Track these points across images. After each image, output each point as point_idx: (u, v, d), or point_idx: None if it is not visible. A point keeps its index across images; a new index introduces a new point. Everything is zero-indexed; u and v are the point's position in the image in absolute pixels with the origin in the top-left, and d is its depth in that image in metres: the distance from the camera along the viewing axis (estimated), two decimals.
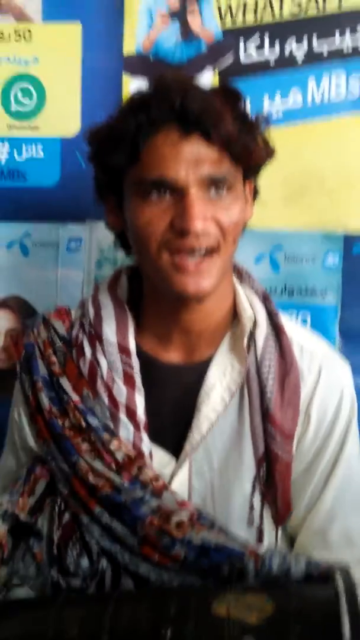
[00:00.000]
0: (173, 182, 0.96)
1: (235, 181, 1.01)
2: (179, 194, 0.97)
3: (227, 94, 1.04)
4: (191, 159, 0.96)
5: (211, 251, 1.00)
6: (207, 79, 1.47)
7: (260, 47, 1.45)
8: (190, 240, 0.97)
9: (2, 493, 1.16)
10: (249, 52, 1.45)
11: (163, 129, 0.97)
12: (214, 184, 0.98)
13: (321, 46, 1.43)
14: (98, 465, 1.04)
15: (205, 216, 0.97)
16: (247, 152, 1.00)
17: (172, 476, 1.08)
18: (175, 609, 0.80)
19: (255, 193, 1.12)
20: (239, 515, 1.08)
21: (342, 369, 1.15)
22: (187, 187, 0.96)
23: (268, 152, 1.07)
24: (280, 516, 1.10)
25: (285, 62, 1.45)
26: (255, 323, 1.10)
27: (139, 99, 1.02)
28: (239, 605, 0.78)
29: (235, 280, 1.14)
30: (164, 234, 0.99)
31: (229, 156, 0.98)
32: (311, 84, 1.45)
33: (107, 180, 1.06)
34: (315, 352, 1.13)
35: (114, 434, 1.06)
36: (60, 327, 1.15)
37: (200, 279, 1.00)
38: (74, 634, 0.80)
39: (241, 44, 1.46)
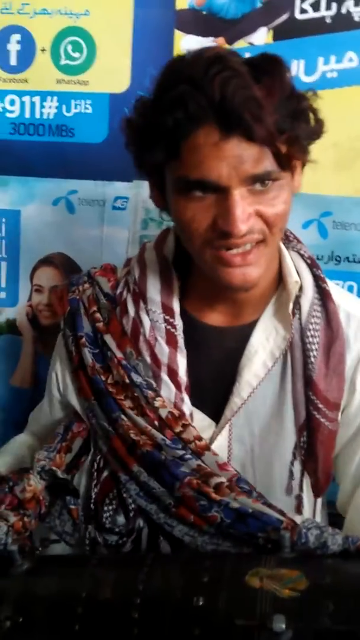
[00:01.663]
0: (215, 183, 0.92)
1: (280, 171, 0.95)
2: (221, 192, 0.93)
3: (273, 73, 0.95)
4: (233, 159, 0.91)
5: (258, 243, 0.97)
6: (261, 37, 1.43)
7: (316, 5, 1.40)
8: (234, 240, 0.95)
9: (32, 439, 1.20)
10: (304, 10, 1.41)
11: (203, 126, 0.91)
12: (257, 180, 0.94)
13: None
14: (140, 421, 1.04)
15: (250, 215, 0.94)
16: (291, 145, 0.94)
17: (211, 441, 1.08)
18: (208, 578, 0.80)
19: (304, 163, 1.08)
20: (279, 483, 1.08)
21: None
22: (229, 188, 0.92)
23: (316, 130, 1.01)
24: (320, 487, 1.10)
25: (342, 22, 1.40)
26: (301, 288, 1.08)
27: (176, 90, 0.92)
28: (273, 579, 0.77)
29: (281, 244, 1.12)
30: (207, 232, 0.96)
31: (272, 151, 0.93)
32: None
33: (147, 169, 1.03)
34: None
35: (157, 392, 1.06)
36: (105, 285, 1.14)
37: (247, 271, 0.98)
38: (106, 596, 0.81)
39: (297, 2, 1.41)
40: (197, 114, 0.90)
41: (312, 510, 1.11)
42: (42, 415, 1.24)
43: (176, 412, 1.05)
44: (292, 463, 1.08)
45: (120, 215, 1.54)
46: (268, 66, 0.95)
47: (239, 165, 0.91)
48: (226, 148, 0.91)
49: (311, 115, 0.99)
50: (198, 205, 0.95)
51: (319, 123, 1.01)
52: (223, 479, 1.00)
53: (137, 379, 1.06)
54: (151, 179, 1.05)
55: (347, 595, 0.76)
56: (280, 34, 1.42)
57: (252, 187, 0.93)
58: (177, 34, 1.45)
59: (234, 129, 0.90)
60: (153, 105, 0.97)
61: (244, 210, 0.93)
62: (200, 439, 1.04)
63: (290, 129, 0.93)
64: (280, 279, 1.10)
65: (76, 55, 1.51)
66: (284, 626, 0.70)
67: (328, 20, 1.41)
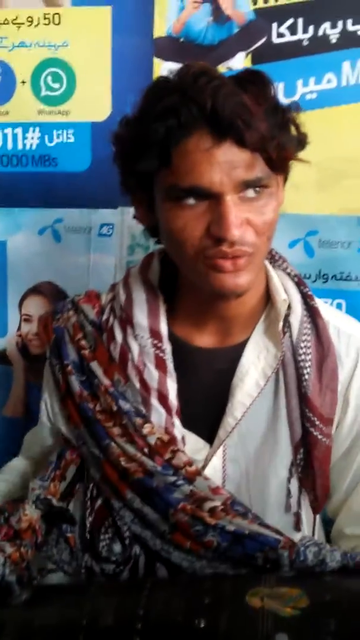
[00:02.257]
0: (207, 189, 0.93)
1: (270, 179, 0.97)
2: (214, 199, 0.94)
3: (258, 84, 0.97)
4: (225, 165, 0.92)
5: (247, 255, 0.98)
6: (239, 62, 1.45)
7: (294, 29, 1.42)
8: (225, 248, 0.94)
9: (26, 461, 1.20)
10: (281, 34, 1.43)
11: (194, 133, 0.92)
12: (249, 186, 0.95)
13: (356, 28, 1.40)
14: (130, 449, 1.03)
15: (242, 221, 0.94)
16: (281, 151, 0.95)
17: (205, 462, 1.07)
18: (209, 599, 0.79)
19: (285, 176, 1.09)
20: (276, 501, 1.08)
21: None
22: (222, 194, 0.93)
23: (301, 142, 1.03)
24: (319, 503, 1.09)
25: (319, 44, 1.42)
26: (289, 306, 1.09)
27: (166, 100, 0.95)
28: (274, 598, 0.77)
29: (267, 264, 1.13)
30: (200, 241, 0.96)
31: (263, 157, 0.94)
32: (346, 67, 1.42)
33: (135, 181, 1.03)
34: (353, 335, 1.11)
35: (146, 418, 1.06)
36: (90, 312, 1.14)
37: (238, 277, 0.98)
38: (108, 623, 0.80)
39: (274, 26, 1.43)
40: (189, 121, 0.92)
41: (311, 527, 1.10)
42: (37, 439, 1.24)
43: (166, 438, 1.04)
44: (288, 480, 1.07)
45: (106, 242, 1.54)
46: (252, 78, 0.98)
47: (231, 171, 0.92)
48: (218, 154, 0.92)
49: (295, 129, 1.01)
50: (190, 213, 0.95)
51: (303, 135, 1.02)
52: (217, 503, 0.99)
53: (125, 406, 1.06)
54: (136, 196, 1.06)
55: (349, 612, 0.75)
56: (258, 58, 1.44)
57: (243, 194, 0.94)
58: (156, 61, 1.47)
59: (225, 135, 0.91)
60: (142, 117, 0.97)
61: (237, 216, 0.93)
62: (190, 464, 1.03)
63: (278, 138, 0.94)
64: (267, 298, 1.11)
65: (56, 86, 1.52)
66: None
67: (305, 43, 1.42)
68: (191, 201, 0.94)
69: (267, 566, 0.92)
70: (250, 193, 0.95)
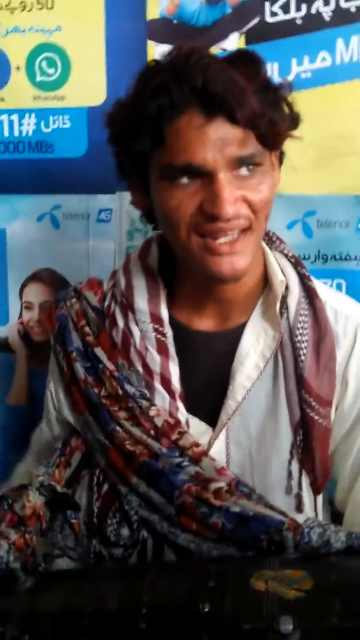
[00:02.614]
0: (200, 166, 0.94)
1: (263, 156, 0.97)
2: (207, 177, 0.94)
3: (249, 63, 0.98)
4: (217, 142, 0.93)
5: (244, 231, 0.98)
6: (233, 42, 1.44)
7: (286, 7, 1.41)
8: (220, 224, 0.95)
9: (36, 463, 1.18)
10: (274, 13, 1.41)
11: (186, 111, 0.93)
12: (242, 163, 0.95)
13: (349, 4, 1.39)
14: (136, 432, 1.04)
15: (236, 198, 0.95)
16: (273, 127, 0.96)
17: (209, 446, 1.08)
18: (213, 583, 0.80)
19: (281, 157, 1.09)
20: (278, 483, 1.08)
21: None
22: (215, 171, 0.93)
23: (294, 120, 1.03)
24: (319, 484, 1.10)
25: (313, 22, 1.41)
26: (287, 288, 1.09)
27: (157, 78, 0.96)
28: (278, 580, 0.77)
29: (264, 245, 1.13)
30: (192, 218, 0.96)
31: (255, 134, 0.94)
32: (339, 44, 1.41)
33: (130, 163, 1.03)
34: (350, 315, 1.11)
35: (151, 401, 1.06)
36: (92, 298, 1.15)
37: (236, 260, 0.98)
38: (112, 608, 0.81)
39: (267, 6, 1.42)
40: (181, 99, 0.92)
41: (312, 508, 1.11)
42: (43, 435, 1.24)
43: (172, 421, 1.05)
44: (289, 462, 1.08)
45: (105, 228, 1.54)
46: (243, 57, 0.99)
47: (224, 148, 0.93)
48: (210, 131, 0.92)
49: (287, 107, 1.01)
50: (184, 192, 0.96)
51: (295, 114, 1.03)
52: (222, 484, 0.99)
53: (131, 389, 1.06)
54: (132, 180, 1.06)
55: (354, 592, 0.76)
56: (252, 38, 1.43)
57: (237, 172, 0.95)
58: (150, 44, 1.46)
59: (217, 111, 0.92)
60: (135, 97, 0.98)
61: (231, 193, 0.94)
62: (197, 445, 1.04)
63: (270, 115, 0.95)
64: (265, 281, 1.11)
65: (51, 71, 1.51)
66: (291, 627, 0.69)
67: (299, 22, 1.41)
68: (185, 180, 0.95)
69: (272, 548, 0.92)
70: (244, 171, 0.95)
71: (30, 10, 1.50)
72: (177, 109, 0.93)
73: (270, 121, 0.95)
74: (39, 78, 1.52)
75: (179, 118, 0.93)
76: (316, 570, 0.79)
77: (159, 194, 0.99)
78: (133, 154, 1.00)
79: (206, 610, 0.76)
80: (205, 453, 1.04)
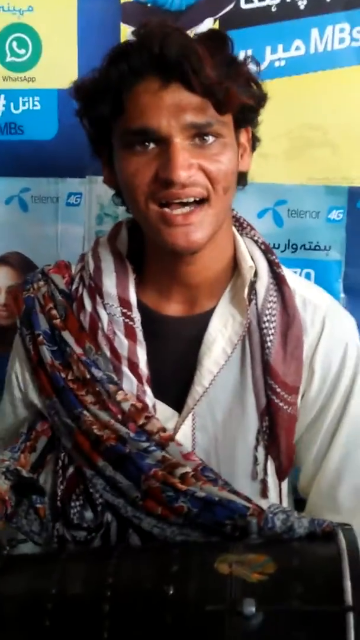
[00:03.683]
0: (155, 131, 0.95)
1: (223, 128, 0.98)
2: (163, 143, 0.96)
3: (212, 38, 1.01)
4: (172, 107, 0.94)
5: (200, 201, 0.99)
6: (207, 26, 1.42)
7: None
8: (175, 190, 0.96)
9: (1, 447, 1.17)
10: None
11: (144, 77, 0.95)
12: (199, 131, 0.96)
13: None
14: (103, 416, 1.04)
15: (191, 165, 0.96)
16: (231, 97, 0.96)
17: (175, 430, 1.07)
18: (177, 567, 0.80)
19: (254, 142, 1.10)
20: (243, 468, 1.08)
21: (347, 322, 1.14)
22: (170, 136, 0.95)
23: (258, 97, 1.04)
24: (284, 470, 1.10)
25: (288, 10, 1.40)
26: (256, 274, 1.09)
27: (120, 48, 1.00)
28: (241, 564, 0.78)
29: (235, 231, 1.13)
30: (149, 185, 0.98)
31: (211, 102, 0.95)
32: (314, 34, 1.40)
33: (96, 133, 1.05)
34: (318, 305, 1.11)
35: (119, 385, 1.06)
36: (60, 281, 1.14)
37: (190, 232, 0.99)
38: (77, 591, 0.81)
39: None
40: (139, 66, 0.95)
41: (277, 494, 1.11)
42: (5, 418, 1.23)
43: (139, 405, 1.04)
44: (255, 448, 1.08)
45: (74, 212, 1.53)
46: (211, 34, 1.04)
47: (179, 114, 0.94)
48: (166, 97, 0.94)
49: (252, 84, 1.03)
50: (141, 159, 0.97)
51: (261, 91, 1.04)
52: (188, 469, 1.00)
53: (98, 373, 1.06)
54: (101, 154, 1.07)
55: (315, 576, 0.76)
56: (226, 24, 1.42)
57: (195, 140, 0.96)
58: (123, 26, 1.44)
59: (173, 78, 0.94)
60: (100, 67, 1.00)
61: (185, 158, 0.95)
62: (164, 430, 1.03)
63: (228, 85, 0.96)
64: (235, 267, 1.11)
65: (22, 51, 1.49)
66: (254, 609, 0.70)
67: (274, 9, 1.41)
68: (142, 147, 0.96)
69: (236, 534, 0.92)
70: (202, 140, 0.97)
71: None
72: (135, 75, 0.95)
73: (226, 90, 0.95)
74: (9, 58, 1.51)
75: (137, 84, 0.95)
76: (279, 555, 0.80)
77: (119, 162, 1.00)
78: (96, 122, 1.02)
79: (170, 592, 0.76)
80: (171, 438, 1.03)
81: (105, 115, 1.00)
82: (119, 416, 1.04)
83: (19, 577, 0.88)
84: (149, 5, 1.44)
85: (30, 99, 1.51)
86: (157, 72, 0.94)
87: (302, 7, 1.40)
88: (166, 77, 0.94)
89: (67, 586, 0.82)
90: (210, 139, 0.97)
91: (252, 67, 1.04)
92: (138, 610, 0.77)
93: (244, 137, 1.06)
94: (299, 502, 1.18)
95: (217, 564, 0.78)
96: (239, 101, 0.98)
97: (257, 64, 1.06)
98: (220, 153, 0.98)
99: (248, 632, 0.71)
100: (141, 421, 1.03)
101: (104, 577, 0.81)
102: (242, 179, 1.08)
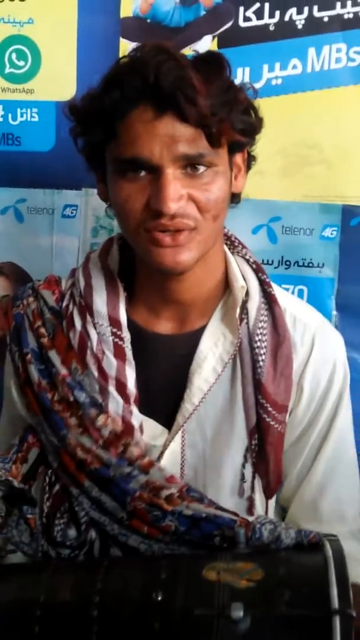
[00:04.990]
0: (147, 161, 0.95)
1: (216, 157, 0.98)
2: (154, 172, 0.95)
3: (208, 62, 1.00)
4: (165, 138, 0.94)
5: (189, 229, 0.99)
6: (205, 45, 1.44)
7: (260, 13, 1.41)
8: (165, 221, 0.96)
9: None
10: (248, 18, 1.42)
11: (138, 105, 0.94)
12: (191, 161, 0.96)
13: (321, 14, 1.40)
14: (86, 441, 1.03)
15: (181, 196, 0.96)
16: (224, 131, 0.96)
17: (164, 448, 1.07)
18: (166, 574, 0.81)
19: (249, 161, 1.09)
20: (230, 486, 1.09)
21: (335, 340, 1.15)
22: (161, 167, 0.94)
23: (254, 125, 1.04)
24: (271, 488, 1.10)
25: (285, 30, 1.41)
26: (247, 293, 1.09)
27: (115, 73, 0.99)
28: (229, 571, 0.78)
29: (227, 249, 1.13)
30: (141, 213, 0.98)
31: (204, 133, 0.95)
32: (311, 53, 1.41)
33: (89, 154, 1.05)
34: (308, 324, 1.12)
35: (101, 409, 1.05)
36: (50, 298, 1.13)
37: (178, 253, 0.99)
38: (65, 598, 0.81)
39: (240, 10, 1.42)
40: (132, 94, 0.94)
41: (264, 511, 1.11)
42: (5, 425, 1.23)
43: (119, 430, 1.04)
44: (243, 465, 1.09)
45: (70, 224, 1.53)
46: (208, 57, 1.01)
47: (172, 145, 0.94)
48: (159, 127, 0.93)
49: (249, 111, 1.02)
50: (133, 185, 0.97)
51: (258, 118, 1.04)
52: (173, 490, 0.99)
53: (81, 397, 1.05)
54: (96, 171, 1.07)
55: (302, 584, 0.77)
56: (224, 41, 1.43)
57: (185, 170, 0.96)
58: (122, 41, 1.45)
59: (166, 108, 0.93)
60: (93, 91, 1.00)
61: (176, 190, 0.95)
62: (143, 457, 1.03)
63: (225, 114, 0.96)
64: (226, 285, 1.12)
65: (21, 63, 1.50)
66: (242, 614, 0.71)
67: (272, 28, 1.42)
68: (133, 174, 0.96)
69: (225, 545, 0.93)
70: (194, 170, 0.96)
71: (1, 1, 1.48)
72: (129, 102, 0.94)
73: (222, 122, 0.95)
74: (8, 70, 1.51)
75: (131, 112, 0.95)
76: (267, 563, 0.81)
77: (112, 186, 1.01)
78: (89, 146, 1.02)
79: (159, 599, 0.77)
80: (152, 464, 1.03)
81: (98, 141, 1.00)
82: (101, 441, 1.03)
83: (7, 586, 0.88)
84: (148, 21, 1.45)
85: (29, 110, 1.51)
86: (151, 101, 0.93)
87: (299, 26, 1.41)
88: (160, 106, 0.93)
89: (56, 593, 0.82)
90: (202, 168, 0.97)
91: (249, 92, 1.04)
92: (126, 616, 0.78)
93: (239, 158, 1.06)
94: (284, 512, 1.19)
95: (205, 572, 0.79)
96: (232, 137, 0.98)
97: (253, 88, 1.06)
98: (211, 182, 0.98)
99: (236, 636, 0.71)
100: (119, 449, 1.03)
101: (92, 584, 0.81)
102: (235, 197, 1.09)
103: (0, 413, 1.26)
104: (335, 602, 0.72)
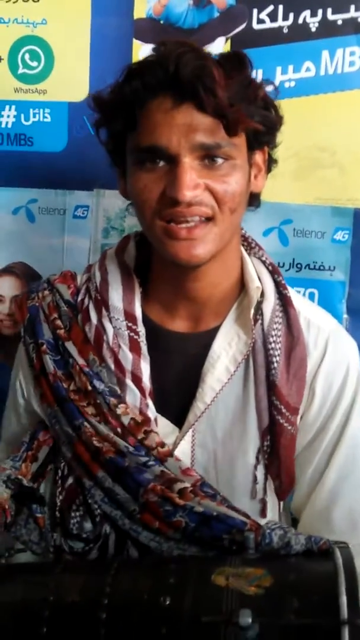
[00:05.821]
0: (165, 149, 0.96)
1: (234, 150, 0.99)
2: (172, 162, 0.96)
3: (230, 59, 1.01)
4: (183, 127, 0.95)
5: (206, 219, 0.99)
6: (219, 46, 1.44)
7: (274, 15, 1.42)
8: (181, 209, 0.97)
9: (6, 454, 1.17)
10: (262, 20, 1.42)
11: (158, 95, 0.96)
12: (208, 152, 0.97)
13: (335, 17, 1.40)
14: (103, 429, 1.04)
15: (197, 185, 0.96)
16: (241, 120, 0.97)
17: (174, 446, 1.07)
18: (174, 578, 0.81)
19: (270, 163, 1.10)
20: (242, 487, 1.08)
21: (349, 345, 1.15)
22: (178, 155, 0.95)
23: (273, 120, 1.05)
24: (284, 490, 1.10)
25: (299, 32, 1.41)
26: (262, 294, 1.09)
27: (136, 65, 1.01)
28: (238, 577, 0.78)
29: (243, 250, 1.14)
30: (157, 202, 0.99)
31: (222, 123, 0.96)
32: (325, 56, 1.42)
33: (111, 146, 1.06)
34: (322, 327, 1.12)
35: (121, 398, 1.06)
36: (65, 292, 1.14)
37: (193, 246, 0.99)
38: (74, 599, 0.81)
39: (254, 12, 1.42)
40: (153, 84, 0.96)
41: (277, 513, 1.11)
42: (11, 427, 1.23)
43: (139, 419, 1.04)
44: (255, 467, 1.08)
45: (81, 224, 1.53)
46: (231, 55, 1.03)
47: (190, 134, 0.95)
48: (178, 116, 0.95)
49: (268, 106, 1.03)
50: (150, 175, 0.98)
51: (278, 115, 1.05)
52: (187, 484, 1.00)
53: (100, 385, 1.06)
54: (118, 166, 1.08)
55: (311, 592, 0.77)
56: (238, 43, 1.43)
57: (203, 162, 0.97)
58: (136, 43, 1.45)
59: (186, 98, 0.94)
60: (116, 82, 1.01)
61: (192, 179, 0.96)
62: (162, 445, 1.03)
63: (243, 106, 0.96)
64: (242, 285, 1.11)
65: (34, 64, 1.50)
66: (250, 620, 0.70)
67: (285, 30, 1.42)
68: (151, 164, 0.97)
69: (234, 548, 0.93)
70: (211, 162, 0.97)
71: (15, 2, 1.49)
72: (149, 92, 0.96)
73: (240, 113, 0.96)
74: (21, 70, 1.51)
75: (151, 101, 0.96)
76: (276, 570, 0.80)
77: (130, 177, 1.02)
78: (111, 137, 1.04)
79: (167, 603, 0.77)
80: (170, 453, 1.03)
81: (119, 131, 1.01)
82: (119, 429, 1.04)
83: (16, 585, 0.88)
84: (161, 22, 1.45)
85: (41, 110, 1.52)
86: (171, 91, 0.95)
87: (313, 29, 1.41)
88: (179, 96, 0.95)
89: (65, 594, 0.82)
90: (220, 160, 0.98)
91: (269, 89, 1.05)
92: (134, 620, 0.77)
93: (259, 158, 1.06)
94: (295, 522, 1.18)
95: (214, 577, 0.79)
96: (249, 124, 0.99)
97: (275, 86, 1.07)
98: (228, 174, 0.99)
99: None
100: (140, 435, 1.03)
101: (101, 586, 0.81)
102: (254, 199, 1.09)
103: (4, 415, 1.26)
104: (345, 612, 0.72)
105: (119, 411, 1.04)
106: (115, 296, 1.09)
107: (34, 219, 1.55)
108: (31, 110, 1.52)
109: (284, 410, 1.06)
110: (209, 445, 1.09)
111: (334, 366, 1.10)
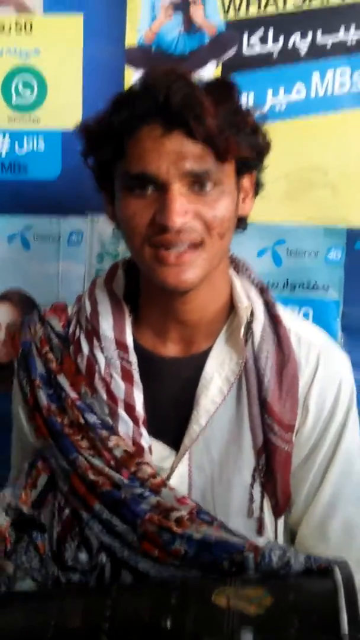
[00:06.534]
0: (154, 177, 0.96)
1: (223, 176, 0.99)
2: (161, 188, 0.97)
3: (218, 87, 1.02)
4: (173, 154, 0.95)
5: (194, 246, 0.99)
6: (210, 72, 1.45)
7: (264, 40, 1.43)
8: (170, 236, 0.97)
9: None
10: (252, 45, 1.44)
11: (148, 123, 0.96)
12: (198, 179, 0.97)
13: (325, 39, 1.41)
14: (97, 462, 1.03)
15: (187, 211, 0.97)
16: (230, 147, 0.97)
17: (171, 470, 1.07)
18: (175, 600, 0.80)
19: (257, 186, 1.11)
20: (239, 507, 1.08)
21: (340, 359, 1.15)
22: (168, 183, 0.96)
23: (261, 146, 1.06)
24: (280, 508, 1.10)
25: (289, 55, 1.43)
26: (252, 314, 1.09)
27: (125, 93, 1.02)
28: (239, 597, 0.78)
29: (232, 272, 1.14)
30: (147, 229, 0.99)
31: (212, 151, 0.97)
32: (315, 77, 1.43)
33: (99, 174, 1.07)
34: (313, 343, 1.12)
35: (112, 430, 1.06)
36: (57, 324, 1.14)
37: (182, 272, 0.99)
38: (76, 625, 0.81)
39: (244, 37, 1.44)
40: (142, 112, 0.96)
41: (273, 531, 1.11)
42: (15, 451, 1.23)
43: (131, 450, 1.04)
44: (251, 486, 1.08)
45: (75, 250, 1.54)
46: (218, 82, 1.04)
47: (179, 161, 0.95)
48: (167, 144, 0.95)
49: (256, 133, 1.04)
50: (139, 202, 0.98)
51: (265, 141, 1.06)
52: (183, 512, 0.99)
53: (92, 418, 1.06)
54: (104, 191, 1.08)
55: (312, 610, 0.77)
56: (228, 68, 1.45)
57: (192, 188, 0.97)
58: (128, 70, 1.47)
59: (175, 126, 0.95)
60: (104, 110, 1.02)
61: (181, 205, 0.96)
62: (155, 476, 1.03)
63: (232, 132, 0.97)
64: (231, 307, 1.12)
65: (27, 93, 1.52)
66: (251, 639, 0.70)
67: (275, 54, 1.43)
68: (140, 190, 0.98)
69: (233, 569, 0.92)
70: (200, 188, 0.98)
71: (9, 33, 1.51)
72: (138, 121, 0.97)
73: (229, 141, 0.97)
74: (14, 99, 1.53)
75: (140, 129, 0.97)
76: (276, 589, 0.80)
77: (119, 203, 1.02)
78: (99, 164, 1.04)
79: (168, 625, 0.76)
80: (164, 483, 1.03)
81: (108, 159, 1.01)
82: (112, 462, 1.03)
83: (17, 613, 0.88)
84: (153, 49, 1.46)
85: (35, 139, 1.53)
86: (160, 119, 0.95)
87: (303, 51, 1.43)
88: (169, 124, 0.95)
89: (66, 619, 0.82)
90: (209, 186, 0.98)
91: (257, 116, 1.05)
92: None
93: (247, 182, 1.07)
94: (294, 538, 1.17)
95: (214, 597, 0.78)
96: (238, 152, 0.99)
97: (263, 114, 1.08)
98: (217, 200, 0.99)
99: None
100: (132, 468, 1.03)
101: (102, 610, 0.81)
102: (242, 222, 1.10)
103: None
104: (345, 628, 0.71)
105: (110, 444, 1.04)
106: (106, 325, 1.10)
107: (29, 246, 1.56)
108: (25, 139, 1.53)
109: (276, 428, 1.06)
110: (205, 466, 1.08)
111: (327, 381, 1.10)
